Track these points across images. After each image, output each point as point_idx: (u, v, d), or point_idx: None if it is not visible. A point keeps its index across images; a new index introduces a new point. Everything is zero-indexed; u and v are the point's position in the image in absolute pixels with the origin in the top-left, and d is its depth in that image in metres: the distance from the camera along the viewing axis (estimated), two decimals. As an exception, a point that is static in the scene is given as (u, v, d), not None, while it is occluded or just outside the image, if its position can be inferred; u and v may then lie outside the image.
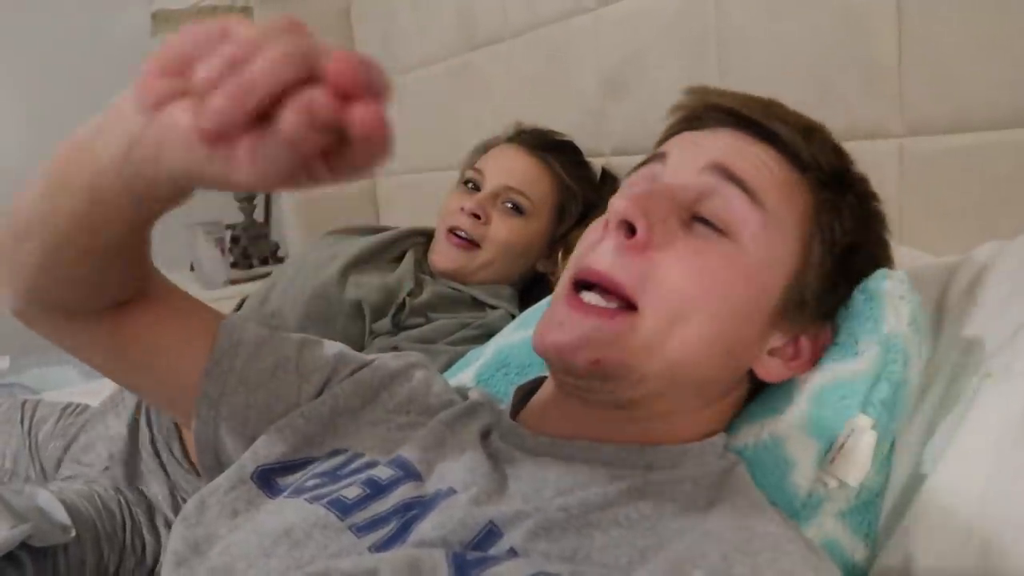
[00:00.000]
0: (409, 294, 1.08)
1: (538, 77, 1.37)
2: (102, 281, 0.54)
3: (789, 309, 0.55)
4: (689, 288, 0.51)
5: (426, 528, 0.47)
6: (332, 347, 0.66)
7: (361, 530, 0.48)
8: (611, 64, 1.20)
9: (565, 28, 1.28)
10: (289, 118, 0.31)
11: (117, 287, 0.57)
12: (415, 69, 1.74)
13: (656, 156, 0.59)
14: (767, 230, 0.53)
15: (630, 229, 0.51)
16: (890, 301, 0.57)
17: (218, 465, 0.60)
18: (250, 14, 1.96)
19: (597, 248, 0.54)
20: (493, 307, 1.10)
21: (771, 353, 0.56)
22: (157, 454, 1.04)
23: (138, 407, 1.06)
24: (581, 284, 0.54)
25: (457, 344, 1.01)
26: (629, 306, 0.51)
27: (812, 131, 0.58)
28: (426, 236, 1.22)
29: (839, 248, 0.57)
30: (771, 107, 0.59)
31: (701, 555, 0.43)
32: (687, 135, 0.60)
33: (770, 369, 0.57)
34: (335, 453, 0.58)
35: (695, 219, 0.54)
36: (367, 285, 1.09)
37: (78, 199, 0.45)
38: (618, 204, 0.52)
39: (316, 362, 0.64)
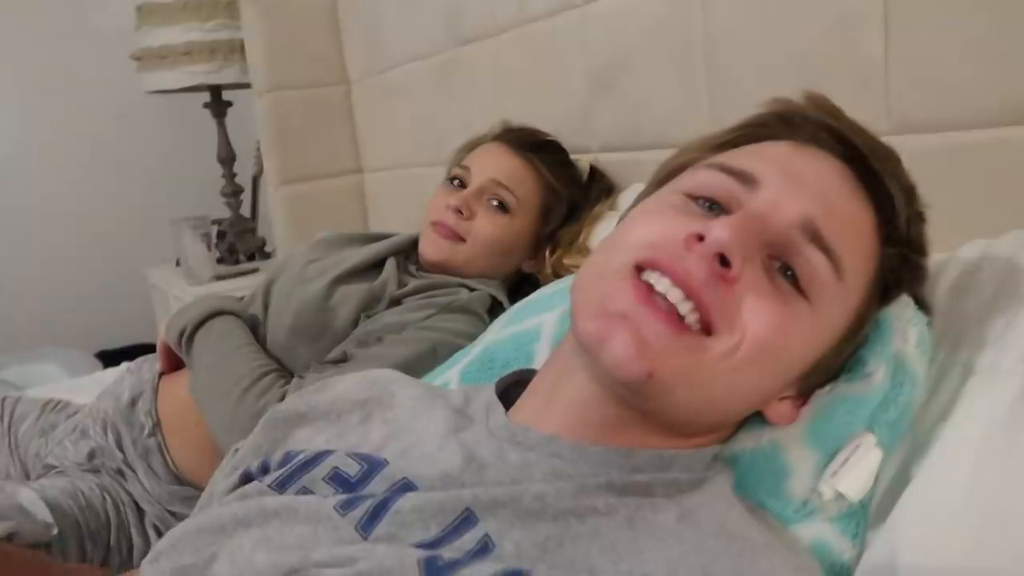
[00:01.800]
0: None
1: (525, 73, 1.37)
2: None
3: (819, 370, 0.55)
4: (768, 339, 0.50)
5: (405, 507, 0.48)
6: None
7: (344, 508, 0.49)
8: (598, 61, 1.20)
9: (552, 24, 1.28)
10: None
11: None
12: (401, 64, 1.73)
13: (745, 176, 0.54)
14: (838, 302, 0.53)
15: (723, 260, 0.49)
16: (898, 325, 0.57)
17: None
18: (235, 8, 1.95)
19: (685, 258, 0.50)
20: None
21: (783, 398, 0.56)
22: (134, 470, 1.04)
23: (103, 429, 1.06)
24: (646, 267, 0.50)
25: (448, 312, 1.04)
26: (704, 329, 0.49)
27: (912, 198, 0.57)
28: (412, 244, 1.21)
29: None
30: (890, 161, 0.56)
31: (681, 556, 0.43)
32: (787, 157, 0.55)
33: (781, 413, 0.57)
34: (293, 455, 0.57)
35: (775, 267, 0.52)
36: (354, 294, 1.09)
37: None
38: (721, 235, 0.48)
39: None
